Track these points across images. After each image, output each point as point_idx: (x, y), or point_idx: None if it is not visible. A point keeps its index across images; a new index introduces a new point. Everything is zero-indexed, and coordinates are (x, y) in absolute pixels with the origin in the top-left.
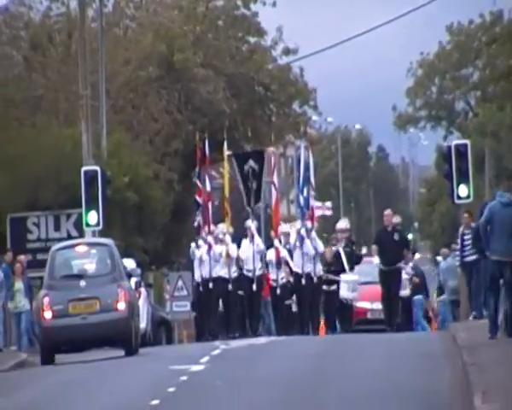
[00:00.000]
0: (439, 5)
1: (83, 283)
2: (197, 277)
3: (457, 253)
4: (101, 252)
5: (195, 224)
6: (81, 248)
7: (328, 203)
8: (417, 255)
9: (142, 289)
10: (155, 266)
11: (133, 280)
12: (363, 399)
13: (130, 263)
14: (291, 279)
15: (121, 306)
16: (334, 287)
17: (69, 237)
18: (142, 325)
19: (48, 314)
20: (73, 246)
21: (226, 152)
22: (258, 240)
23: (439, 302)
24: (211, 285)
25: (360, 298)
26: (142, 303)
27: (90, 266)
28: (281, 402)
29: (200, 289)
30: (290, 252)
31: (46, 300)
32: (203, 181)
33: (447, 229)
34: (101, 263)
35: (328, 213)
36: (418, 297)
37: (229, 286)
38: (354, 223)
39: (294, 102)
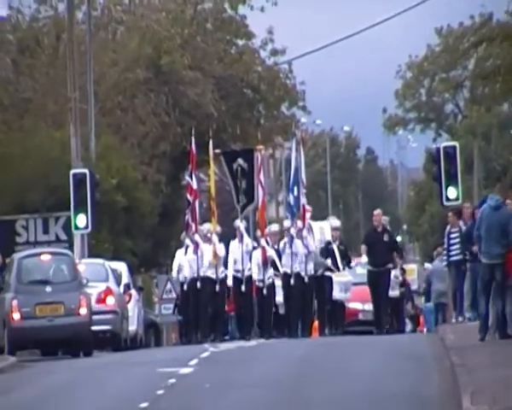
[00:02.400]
0: (428, 8)
1: (48, 288)
2: (182, 277)
3: (444, 252)
4: (63, 261)
5: (185, 219)
6: (45, 257)
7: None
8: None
9: (133, 292)
10: (144, 269)
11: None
12: (351, 401)
13: (121, 266)
14: (277, 281)
15: (83, 311)
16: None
17: (58, 240)
18: (133, 327)
19: (16, 316)
20: (38, 254)
21: (213, 151)
22: (247, 240)
23: (424, 308)
24: (198, 285)
25: (352, 299)
26: (132, 306)
27: (55, 274)
28: (269, 404)
29: (185, 288)
30: (278, 252)
31: (15, 302)
32: (192, 180)
33: (437, 230)
34: (63, 271)
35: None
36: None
37: (217, 287)
38: (342, 226)
39: (283, 103)
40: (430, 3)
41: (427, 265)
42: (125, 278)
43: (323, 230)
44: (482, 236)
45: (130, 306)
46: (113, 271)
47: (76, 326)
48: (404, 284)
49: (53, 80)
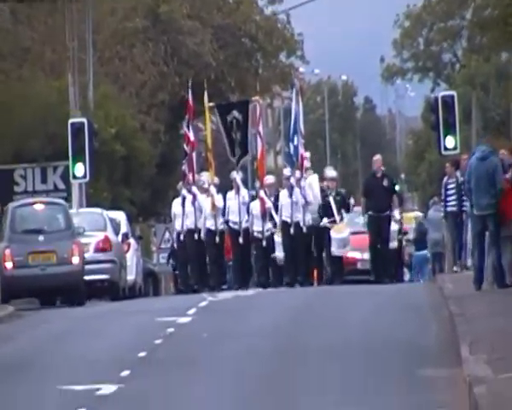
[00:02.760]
0: None
1: (41, 237)
2: (179, 226)
3: (441, 203)
4: (57, 210)
5: (182, 169)
6: (39, 206)
7: (307, 154)
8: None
9: (132, 242)
10: (142, 218)
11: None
12: (347, 349)
13: (119, 215)
14: (275, 232)
15: (75, 260)
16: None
17: (56, 189)
18: (131, 276)
19: (9, 264)
20: (31, 204)
21: (208, 103)
22: (243, 192)
23: (414, 257)
24: (196, 236)
25: (350, 248)
26: (131, 255)
27: (48, 223)
28: (266, 353)
29: (181, 238)
30: (275, 204)
31: (7, 251)
32: (189, 130)
33: (435, 180)
34: (57, 220)
35: (308, 164)
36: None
37: (216, 238)
38: (341, 174)
39: (281, 52)
40: None
41: (416, 213)
42: (124, 228)
43: (312, 185)
44: (472, 188)
45: (128, 255)
46: (112, 220)
47: (68, 275)
48: (401, 231)
49: (51, 29)
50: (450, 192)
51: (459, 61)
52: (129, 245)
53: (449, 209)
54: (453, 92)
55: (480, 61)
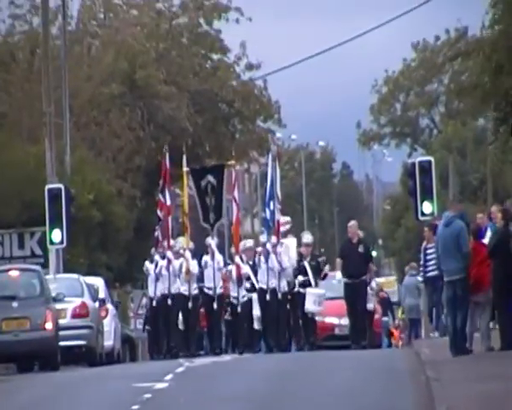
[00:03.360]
0: (407, 22)
1: (15, 303)
2: (151, 292)
3: (420, 269)
4: (32, 277)
5: (155, 235)
6: (13, 273)
7: (287, 218)
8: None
9: (110, 307)
10: (119, 284)
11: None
12: None
13: (97, 281)
14: (253, 296)
15: (49, 325)
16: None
17: (33, 255)
18: (110, 342)
19: None
20: (6, 271)
21: (185, 168)
22: (218, 257)
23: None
24: (169, 301)
25: (328, 313)
26: (109, 321)
27: (22, 289)
28: None
29: (154, 304)
30: (254, 268)
31: None
32: (164, 195)
33: (412, 246)
34: (31, 287)
35: (287, 226)
36: (385, 319)
37: (189, 303)
38: (318, 240)
39: (258, 117)
40: (405, 18)
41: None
42: (102, 293)
43: (288, 248)
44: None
45: (106, 321)
46: (90, 286)
47: (41, 341)
48: (379, 297)
49: (28, 95)
50: (429, 257)
51: (436, 127)
52: (107, 311)
53: (428, 275)
54: (430, 158)
55: (457, 125)
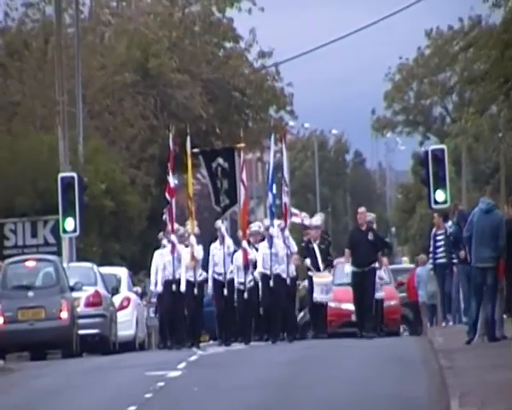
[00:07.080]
0: (421, 10)
1: (31, 293)
2: (160, 278)
3: (430, 255)
4: (48, 267)
5: (163, 218)
6: (30, 263)
7: (304, 213)
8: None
9: (133, 297)
10: (133, 273)
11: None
12: (339, 403)
13: (121, 271)
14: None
15: (64, 315)
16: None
17: (46, 243)
18: (131, 331)
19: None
20: (23, 261)
21: (191, 150)
22: (228, 242)
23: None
24: (174, 287)
25: (344, 300)
26: (131, 310)
27: (38, 279)
28: (257, 406)
29: (159, 290)
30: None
31: None
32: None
33: (426, 233)
34: (47, 277)
35: (307, 222)
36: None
37: (195, 290)
38: (331, 229)
39: (271, 106)
40: (419, 5)
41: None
42: (125, 283)
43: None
44: (473, 239)
45: (128, 310)
46: (110, 276)
47: (56, 330)
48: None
49: (41, 84)
50: (438, 244)
51: (449, 115)
52: (128, 300)
53: (438, 261)
54: (443, 146)
55: (474, 114)
